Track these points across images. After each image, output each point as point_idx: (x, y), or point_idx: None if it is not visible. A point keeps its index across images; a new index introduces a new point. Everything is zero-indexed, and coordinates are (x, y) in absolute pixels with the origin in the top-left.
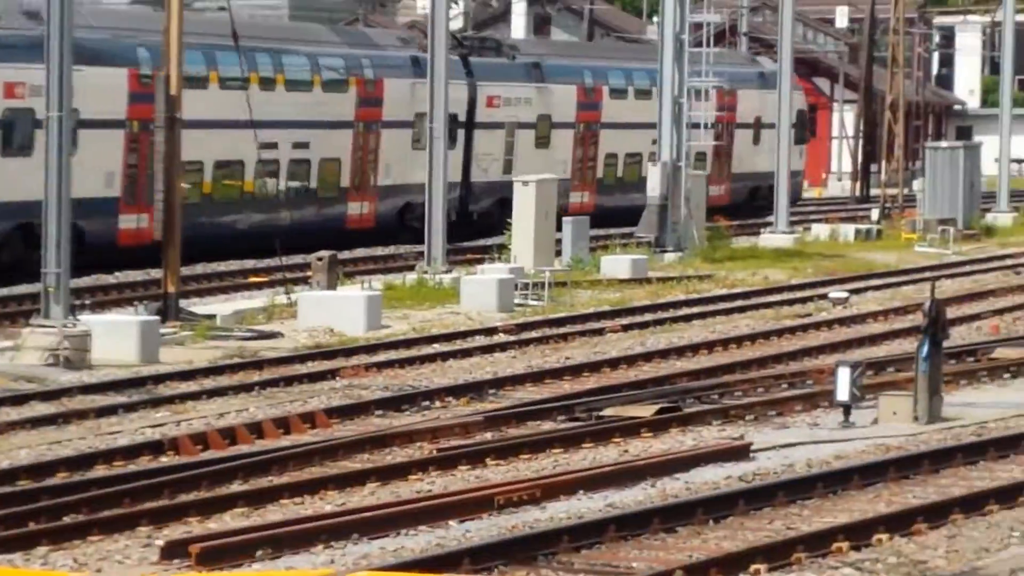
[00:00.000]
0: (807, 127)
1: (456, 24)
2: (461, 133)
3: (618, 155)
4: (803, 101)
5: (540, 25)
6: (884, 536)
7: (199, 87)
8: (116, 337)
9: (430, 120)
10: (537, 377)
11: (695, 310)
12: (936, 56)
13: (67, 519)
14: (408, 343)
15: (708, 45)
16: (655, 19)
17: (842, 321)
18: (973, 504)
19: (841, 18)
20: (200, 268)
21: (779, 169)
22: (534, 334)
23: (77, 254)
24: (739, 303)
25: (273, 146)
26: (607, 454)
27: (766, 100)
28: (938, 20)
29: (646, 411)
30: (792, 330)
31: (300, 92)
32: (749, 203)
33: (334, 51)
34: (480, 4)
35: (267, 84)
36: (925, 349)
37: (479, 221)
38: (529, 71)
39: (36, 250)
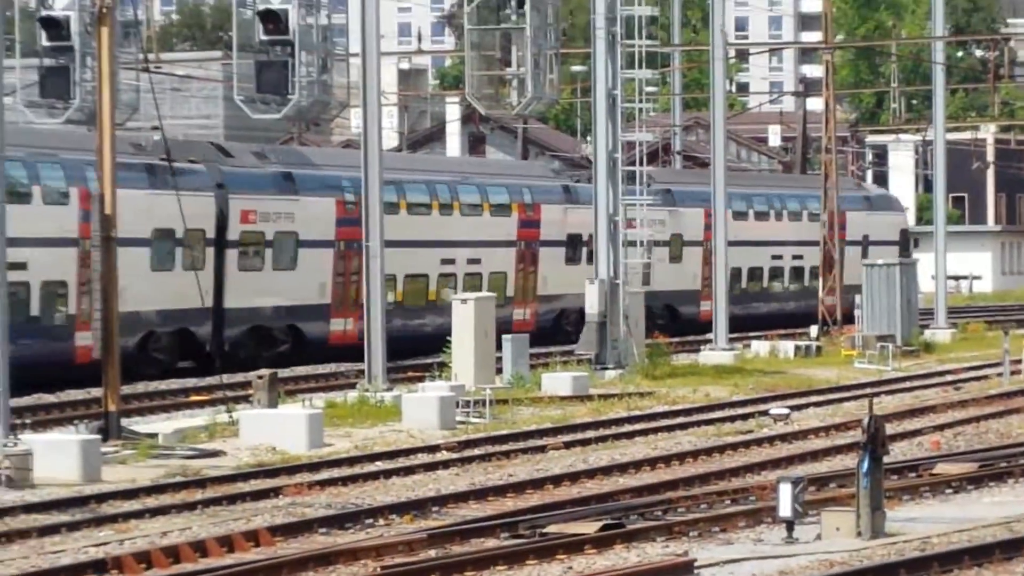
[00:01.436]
0: (908, 244)
1: (392, 142)
2: None
3: (742, 269)
4: (905, 221)
5: (475, 144)
6: None
7: (392, 213)
8: (57, 456)
9: (365, 239)
10: (480, 494)
11: (637, 427)
12: (870, 174)
13: None
14: (351, 461)
15: (641, 164)
16: (589, 138)
17: (783, 437)
18: None
19: (774, 137)
20: (141, 387)
21: (716, 287)
22: (476, 451)
23: (295, 351)
24: (681, 420)
25: (451, 261)
26: (551, 571)
27: (871, 220)
28: (871, 139)
29: (590, 528)
30: (734, 446)
31: (473, 216)
32: None
33: (499, 181)
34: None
35: (446, 210)
36: (865, 465)
37: None
38: (664, 196)
39: (269, 347)
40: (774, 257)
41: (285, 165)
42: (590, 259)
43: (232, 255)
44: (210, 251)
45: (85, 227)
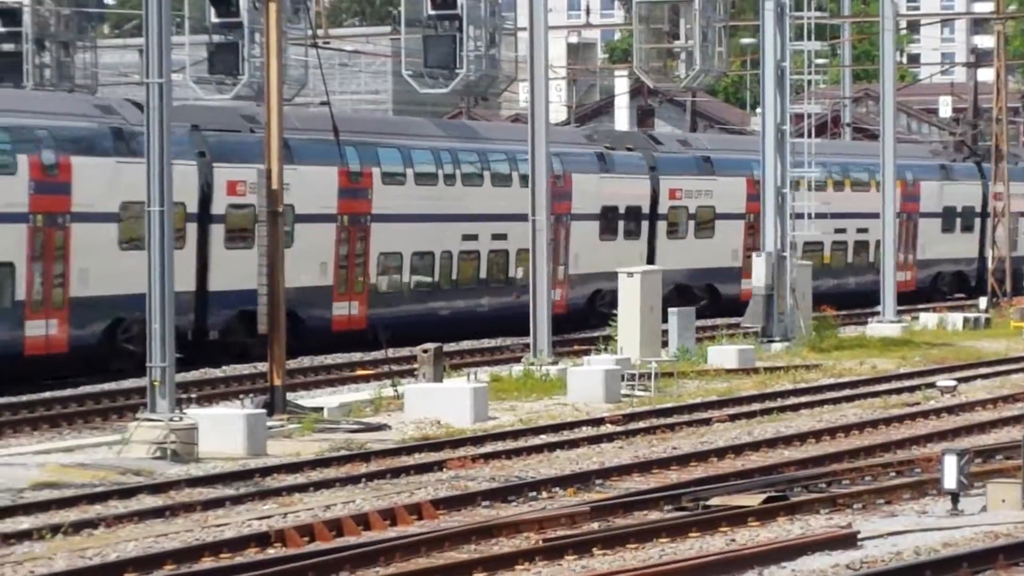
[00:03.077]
0: None
1: (560, 116)
2: (978, 221)
3: None
4: None
5: (643, 117)
6: None
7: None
8: (223, 430)
9: (532, 212)
10: (644, 467)
11: (803, 399)
12: None
13: None
14: (515, 434)
15: (810, 136)
16: (758, 110)
17: (950, 409)
18: None
19: (944, 108)
20: (307, 361)
21: (885, 259)
22: (641, 424)
23: (712, 306)
24: (847, 392)
25: (843, 231)
26: (714, 543)
27: None
28: None
29: (753, 500)
30: (900, 419)
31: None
32: None
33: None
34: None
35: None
36: None
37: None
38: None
39: (690, 303)
40: None
41: (704, 151)
42: (964, 229)
43: (662, 226)
44: (644, 224)
45: (556, 206)
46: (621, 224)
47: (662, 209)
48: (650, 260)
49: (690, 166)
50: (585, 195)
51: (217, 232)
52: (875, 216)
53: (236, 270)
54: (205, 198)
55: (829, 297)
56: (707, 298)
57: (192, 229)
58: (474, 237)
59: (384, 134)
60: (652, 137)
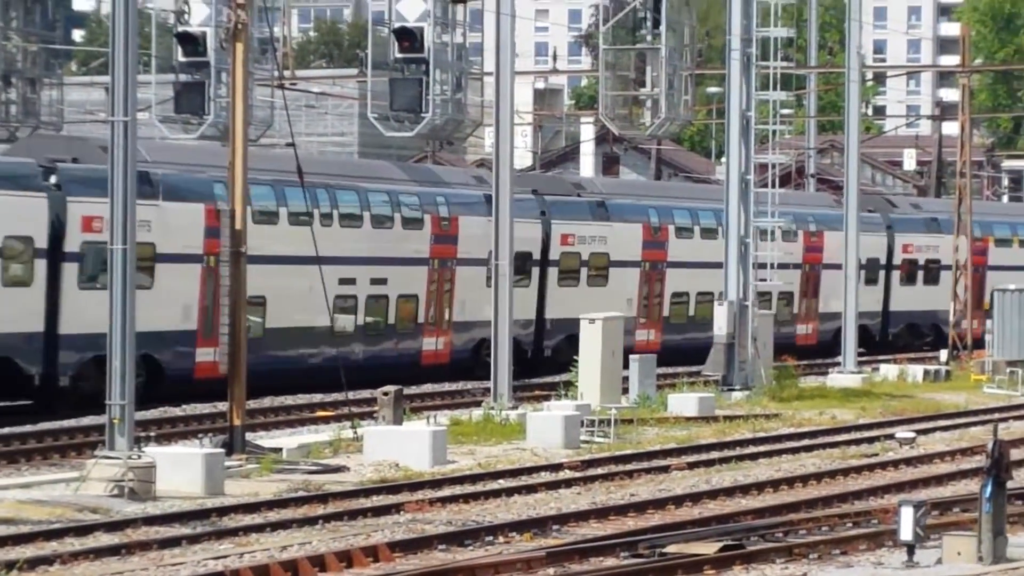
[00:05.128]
0: None
1: (525, 162)
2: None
3: None
4: None
5: (608, 164)
6: None
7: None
8: (181, 469)
9: (495, 257)
10: (601, 513)
11: (762, 448)
12: (1006, 199)
13: None
14: (473, 478)
15: (774, 186)
16: (723, 159)
17: (909, 461)
18: None
19: (909, 161)
20: (267, 401)
21: (847, 311)
22: (600, 471)
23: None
24: (806, 442)
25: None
26: None
27: None
28: (1007, 163)
29: (709, 548)
30: (858, 469)
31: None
32: None
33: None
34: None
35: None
36: (988, 489)
37: None
38: None
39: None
40: None
41: (933, 213)
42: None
43: (896, 275)
44: (881, 272)
45: (812, 257)
46: (863, 273)
47: (896, 260)
48: (886, 302)
49: (920, 226)
50: (833, 249)
51: (552, 273)
52: None
53: (565, 302)
54: (545, 247)
55: None
56: (932, 335)
57: (535, 271)
58: None
59: (674, 197)
60: (888, 200)
